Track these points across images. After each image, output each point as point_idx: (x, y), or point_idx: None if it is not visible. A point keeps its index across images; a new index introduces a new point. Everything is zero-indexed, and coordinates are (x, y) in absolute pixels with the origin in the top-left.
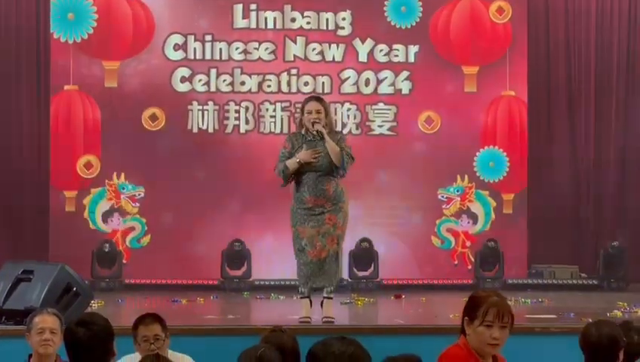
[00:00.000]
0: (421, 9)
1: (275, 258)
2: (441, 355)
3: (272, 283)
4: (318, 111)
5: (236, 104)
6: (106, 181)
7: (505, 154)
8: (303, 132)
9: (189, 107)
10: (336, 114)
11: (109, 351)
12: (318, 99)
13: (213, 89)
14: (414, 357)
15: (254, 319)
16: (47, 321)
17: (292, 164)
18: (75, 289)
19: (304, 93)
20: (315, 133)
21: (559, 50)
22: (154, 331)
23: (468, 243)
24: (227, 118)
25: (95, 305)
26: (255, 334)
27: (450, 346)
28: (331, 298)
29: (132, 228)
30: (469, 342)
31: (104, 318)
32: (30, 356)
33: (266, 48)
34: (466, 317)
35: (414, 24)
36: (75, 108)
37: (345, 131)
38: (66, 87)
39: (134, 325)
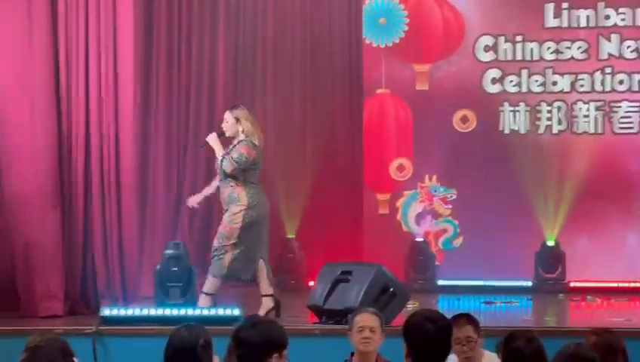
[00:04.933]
0: None
1: (590, 260)
2: None
3: (589, 285)
4: (226, 120)
5: (548, 104)
6: (418, 183)
7: None
8: None
9: (500, 108)
10: None
11: (450, 347)
12: (231, 108)
13: (524, 90)
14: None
15: (571, 321)
16: (368, 320)
17: None
18: (391, 289)
19: (619, 92)
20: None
21: None
22: (466, 332)
23: None
24: (539, 119)
25: (410, 306)
26: (574, 336)
27: None
28: (268, 295)
29: (444, 230)
30: None
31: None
32: (352, 354)
33: (579, 47)
34: None
35: None
36: (387, 112)
37: None
38: (378, 91)
39: None
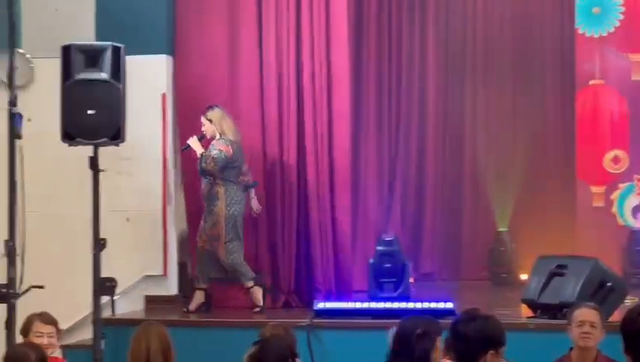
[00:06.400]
0: None
1: None
2: None
3: None
4: (203, 124)
5: None
6: (635, 176)
7: None
8: None
9: None
10: None
11: None
12: (205, 110)
13: None
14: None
15: None
16: (588, 315)
17: None
18: (609, 284)
19: None
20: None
21: None
22: None
23: None
24: None
25: (628, 302)
26: None
27: None
28: (201, 289)
29: None
30: None
31: None
32: (571, 349)
33: None
34: None
35: None
36: (601, 103)
37: None
38: (591, 82)
39: None
